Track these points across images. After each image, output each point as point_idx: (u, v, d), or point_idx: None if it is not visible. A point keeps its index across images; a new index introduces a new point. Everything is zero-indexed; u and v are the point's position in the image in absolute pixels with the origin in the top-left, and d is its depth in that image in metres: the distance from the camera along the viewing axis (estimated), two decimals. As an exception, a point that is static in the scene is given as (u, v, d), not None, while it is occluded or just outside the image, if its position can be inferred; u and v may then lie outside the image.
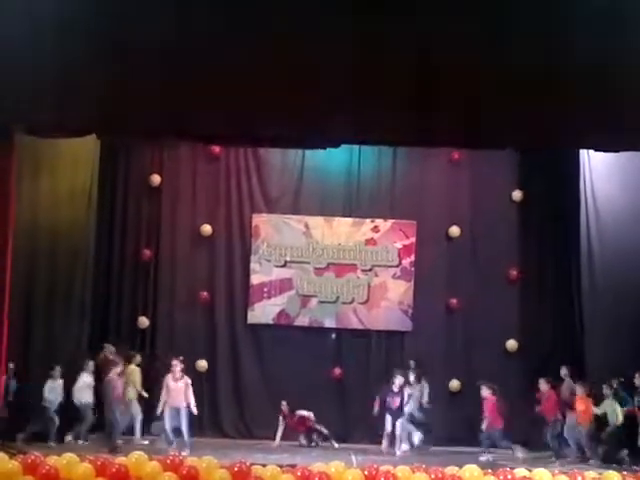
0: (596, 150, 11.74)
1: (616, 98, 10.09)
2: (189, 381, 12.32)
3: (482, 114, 10.16)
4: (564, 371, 13.11)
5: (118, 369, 12.28)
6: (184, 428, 12.12)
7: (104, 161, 13.40)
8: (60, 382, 12.61)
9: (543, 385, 12.76)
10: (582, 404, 12.41)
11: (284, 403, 13.14)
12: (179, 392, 12.17)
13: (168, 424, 12.21)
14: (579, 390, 12.49)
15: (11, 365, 12.01)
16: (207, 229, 14.54)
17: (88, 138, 11.55)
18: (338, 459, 10.18)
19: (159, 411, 12.38)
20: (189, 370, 12.88)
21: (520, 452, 12.58)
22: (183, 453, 11.05)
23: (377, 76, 10.20)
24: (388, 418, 12.85)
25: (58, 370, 12.58)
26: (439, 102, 10.26)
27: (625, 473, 10.02)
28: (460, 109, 10.24)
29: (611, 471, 10.05)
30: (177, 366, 12.25)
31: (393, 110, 10.25)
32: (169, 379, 12.26)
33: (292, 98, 10.17)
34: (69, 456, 9.62)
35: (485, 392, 12.84)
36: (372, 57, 10.18)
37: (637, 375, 12.20)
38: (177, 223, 14.60)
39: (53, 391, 12.57)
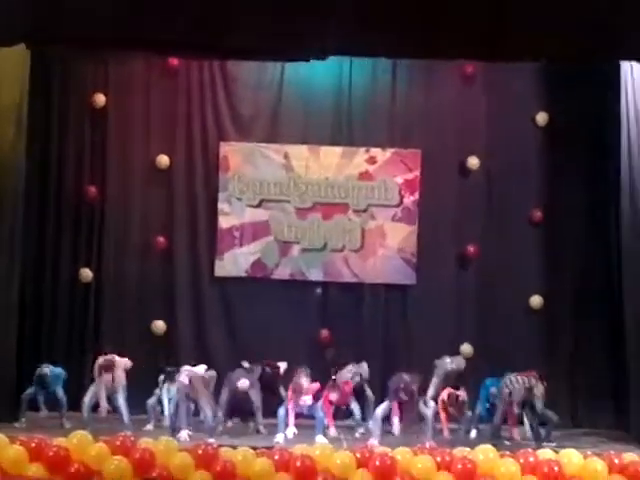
0: (641, 62, 11.71)
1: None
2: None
3: (503, 18, 10.09)
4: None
5: None
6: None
7: (36, 77, 13.19)
8: None
9: None
10: None
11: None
12: None
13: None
14: None
15: None
16: (164, 160, 14.44)
17: (16, 48, 11.40)
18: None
19: None
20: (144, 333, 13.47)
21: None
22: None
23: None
24: None
25: None
26: (449, 3, 10.19)
27: (589, 452, 10.26)
28: (476, 12, 10.16)
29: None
30: None
31: (393, 13, 10.16)
32: None
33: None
34: (-2, 437, 9.67)
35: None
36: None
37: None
38: (127, 153, 14.50)
39: None
